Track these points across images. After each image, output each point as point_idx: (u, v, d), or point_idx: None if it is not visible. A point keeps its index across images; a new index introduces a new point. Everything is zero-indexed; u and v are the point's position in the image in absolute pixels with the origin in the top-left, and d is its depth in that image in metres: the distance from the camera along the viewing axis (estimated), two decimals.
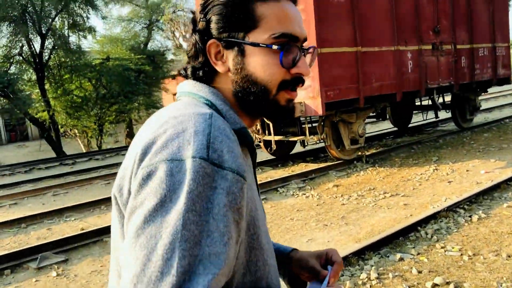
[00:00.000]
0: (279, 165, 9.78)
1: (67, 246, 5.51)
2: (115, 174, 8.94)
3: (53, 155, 21.94)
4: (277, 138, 8.42)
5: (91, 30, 22.95)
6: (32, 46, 20.93)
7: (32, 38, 20.96)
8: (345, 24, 7.80)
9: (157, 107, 28.54)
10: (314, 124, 8.81)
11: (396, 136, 12.44)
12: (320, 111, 7.44)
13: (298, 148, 10.95)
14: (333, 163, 8.90)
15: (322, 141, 8.63)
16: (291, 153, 10.36)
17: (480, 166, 7.86)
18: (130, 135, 27.41)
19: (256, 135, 8.50)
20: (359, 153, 9.08)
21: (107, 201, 7.81)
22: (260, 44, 0.85)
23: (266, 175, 8.93)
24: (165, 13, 27.04)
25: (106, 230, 5.95)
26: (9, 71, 20.42)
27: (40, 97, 21.20)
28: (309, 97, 7.56)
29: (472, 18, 10.50)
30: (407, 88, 8.96)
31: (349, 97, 7.92)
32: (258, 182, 8.01)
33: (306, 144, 8.97)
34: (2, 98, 20.72)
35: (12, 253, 5.22)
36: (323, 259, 1.00)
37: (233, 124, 0.83)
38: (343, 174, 8.35)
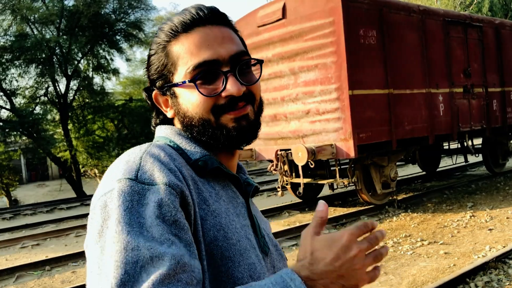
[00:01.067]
0: (306, 209, 9.51)
1: None
2: None
3: (73, 194, 21.94)
4: (306, 180, 8.21)
5: (115, 72, 23.42)
6: (57, 87, 21.40)
7: (58, 79, 21.46)
8: (377, 66, 7.71)
9: None
10: (343, 167, 8.59)
11: (424, 181, 12.11)
12: (352, 154, 7.24)
13: (325, 191, 10.69)
14: (363, 207, 8.61)
15: (352, 184, 8.37)
16: (318, 196, 10.09)
17: None
18: None
19: (284, 177, 8.30)
20: (391, 198, 8.78)
21: None
22: (178, 84, 0.87)
23: (294, 219, 8.66)
24: None
25: None
26: (34, 111, 20.76)
27: (62, 137, 21.44)
28: (340, 139, 7.39)
29: (502, 60, 10.36)
30: (438, 131, 8.74)
31: (381, 139, 7.72)
32: (288, 227, 7.77)
33: (335, 187, 8.72)
34: (25, 138, 20.98)
35: None
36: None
37: (192, 155, 0.87)
38: (375, 219, 8.04)
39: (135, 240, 0.68)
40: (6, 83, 20.04)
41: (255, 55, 8.63)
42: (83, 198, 16.53)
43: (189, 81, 0.86)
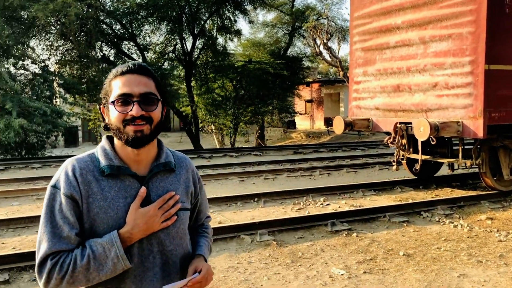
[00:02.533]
0: (420, 187, 9.10)
1: None
2: (249, 172, 9.06)
3: (191, 147, 23.40)
4: (425, 157, 7.81)
5: (238, 33, 23.97)
6: (184, 45, 22.57)
7: (185, 37, 22.60)
8: None
9: (289, 112, 28.91)
10: (466, 147, 8.01)
11: None
12: (480, 134, 6.70)
13: (442, 171, 10.11)
14: (485, 192, 8.01)
15: (475, 166, 7.79)
16: (435, 175, 9.58)
17: None
18: (262, 136, 28.12)
19: (401, 152, 7.98)
20: None
21: (243, 198, 7.96)
22: (108, 103, 1.46)
23: (407, 196, 8.35)
24: (308, 20, 27.22)
25: (242, 228, 6.00)
26: (162, 66, 22.19)
27: (186, 93, 22.74)
28: (468, 117, 6.86)
29: None
30: None
31: None
32: (399, 202, 7.53)
33: (457, 167, 8.19)
34: None
35: None
36: (197, 269, 1.55)
37: (100, 163, 1.48)
38: (497, 206, 7.44)
39: (45, 224, 1.41)
40: (140, 39, 21.63)
41: (383, 20, 8.25)
42: (200, 151, 17.54)
43: (111, 102, 1.44)
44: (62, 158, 15.35)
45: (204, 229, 1.77)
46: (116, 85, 1.45)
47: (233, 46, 29.05)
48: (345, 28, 29.56)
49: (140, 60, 21.78)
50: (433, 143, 7.18)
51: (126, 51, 21.58)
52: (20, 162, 13.71)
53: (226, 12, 23.05)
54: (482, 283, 4.49)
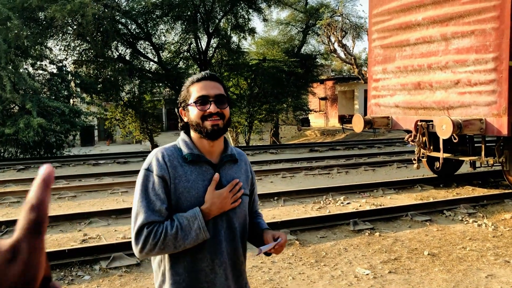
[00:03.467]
0: (441, 185, 9.00)
1: None
2: (266, 170, 9.05)
3: None
4: (446, 155, 7.72)
5: (252, 31, 23.94)
6: (199, 44, 22.62)
7: (200, 36, 22.65)
8: None
9: (304, 109, 28.82)
10: (488, 145, 7.90)
11: None
12: (504, 131, 6.60)
13: (462, 169, 9.99)
14: (508, 191, 7.89)
15: (498, 164, 7.68)
16: (455, 173, 9.47)
17: None
18: (276, 134, 28.08)
19: (422, 150, 7.89)
20: None
21: (263, 197, 7.95)
22: (190, 104, 1.74)
23: (428, 194, 8.26)
24: (323, 17, 27.08)
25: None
26: (177, 65, 22.28)
27: None
28: (492, 114, 6.76)
29: None
30: None
31: None
32: (421, 201, 7.46)
33: (480, 165, 8.08)
34: (169, 89, 22.72)
35: None
36: (275, 236, 1.80)
37: (183, 152, 1.75)
38: None
39: (140, 200, 1.66)
40: (155, 38, 21.73)
41: (403, 17, 8.17)
42: None
43: (194, 103, 1.73)
44: (80, 157, 15.51)
45: (259, 214, 2.05)
46: (194, 89, 1.76)
47: (247, 44, 29.00)
48: (360, 25, 29.38)
49: (156, 59, 21.89)
50: (455, 141, 7.09)
51: (141, 50, 21.71)
52: (39, 161, 13.88)
53: (240, 10, 23.04)
54: (510, 284, 4.42)
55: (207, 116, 1.72)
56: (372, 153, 14.89)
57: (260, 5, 23.41)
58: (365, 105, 33.99)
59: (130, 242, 5.24)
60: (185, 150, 1.75)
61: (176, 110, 1.85)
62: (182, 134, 1.82)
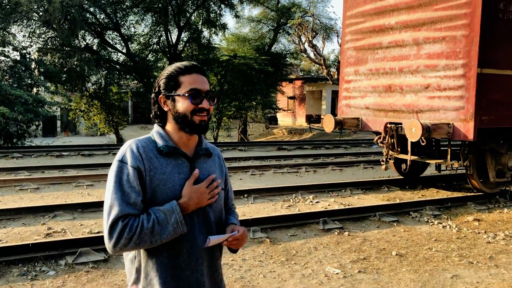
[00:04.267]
0: (407, 186, 9.20)
1: None
2: (236, 167, 9.05)
3: None
4: (413, 158, 7.89)
5: (223, 26, 23.78)
6: (169, 37, 22.30)
7: (170, 29, 22.32)
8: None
9: (273, 108, 28.91)
10: (453, 148, 8.13)
11: None
12: (470, 136, 6.80)
13: (427, 172, 10.25)
14: (471, 194, 8.14)
15: (462, 168, 7.91)
16: (421, 175, 9.70)
17: None
18: (244, 131, 28.05)
19: (390, 152, 8.03)
20: (503, 188, 8.19)
21: (251, 192, 7.91)
22: (181, 95, 1.70)
23: (394, 195, 8.43)
24: (294, 17, 27.21)
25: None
26: (146, 58, 21.89)
27: None
28: (459, 119, 6.94)
29: None
30: None
31: (504, 125, 7.15)
32: (390, 202, 7.60)
33: (445, 168, 8.30)
34: (137, 82, 22.30)
35: None
36: (235, 229, 1.80)
37: (158, 144, 1.72)
38: (483, 208, 7.57)
39: (114, 192, 1.61)
40: (124, 29, 21.27)
41: (376, 20, 8.28)
42: None
43: (185, 95, 1.69)
44: (42, 148, 15.02)
45: (232, 211, 2.01)
46: (185, 80, 1.71)
47: (218, 40, 28.81)
48: (330, 26, 29.71)
49: (124, 51, 21.43)
50: (422, 144, 7.25)
51: (110, 41, 21.20)
52: None
53: (213, 5, 22.86)
54: (475, 285, 4.55)
55: (197, 110, 1.70)
56: (339, 153, 15.08)
57: (232, 0, 23.29)
58: (333, 105, 34.45)
59: (97, 237, 5.14)
60: (160, 142, 1.72)
61: (152, 96, 1.77)
62: (156, 127, 1.79)
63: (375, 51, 8.33)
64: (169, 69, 1.75)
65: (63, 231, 5.82)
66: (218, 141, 24.72)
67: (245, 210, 7.14)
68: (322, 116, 32.92)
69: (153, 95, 1.77)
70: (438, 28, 7.21)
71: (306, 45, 25.48)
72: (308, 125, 30.41)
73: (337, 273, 4.72)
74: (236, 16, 24.47)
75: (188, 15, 22.11)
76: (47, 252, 4.80)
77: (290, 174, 11.02)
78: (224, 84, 24.32)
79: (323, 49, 26.90)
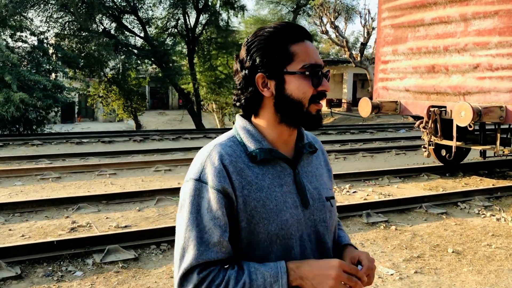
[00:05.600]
0: (447, 174, 8.62)
1: None
2: None
3: (191, 125, 22.80)
4: (458, 144, 7.31)
5: (242, 8, 23.16)
6: (187, 20, 21.77)
7: (188, 12, 21.79)
8: None
9: None
10: (488, 133, 7.55)
11: None
12: None
13: (468, 158, 9.65)
14: None
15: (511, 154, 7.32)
16: (461, 162, 9.10)
17: None
18: None
19: (434, 138, 7.45)
20: None
21: None
22: (297, 72, 1.17)
23: (436, 184, 7.88)
24: None
25: None
26: (165, 42, 21.44)
27: (188, 70, 22.02)
28: None
29: None
30: None
31: None
32: (435, 192, 7.06)
33: (494, 155, 7.70)
34: (155, 66, 21.88)
35: None
36: (354, 260, 1.26)
37: (248, 148, 1.21)
38: None
39: (190, 227, 1.14)
40: (141, 12, 20.81)
41: None
42: (206, 130, 16.98)
43: (307, 73, 1.17)
44: (62, 135, 14.75)
45: (339, 223, 1.47)
46: (300, 51, 1.18)
47: (236, 23, 28.15)
48: (352, 7, 28.81)
49: (142, 35, 20.98)
50: (470, 129, 6.67)
51: (127, 24, 20.77)
52: (19, 138, 13.10)
53: None
54: None
55: (316, 96, 1.19)
56: (366, 139, 14.51)
57: None
58: (354, 89, 33.63)
59: (126, 233, 4.73)
60: (251, 145, 1.21)
61: (241, 74, 1.21)
62: (241, 120, 1.26)
63: (416, 28, 7.70)
64: (267, 33, 1.19)
65: (88, 225, 5.43)
66: None
67: None
68: (343, 100, 32.18)
69: (242, 72, 1.21)
70: (490, 2, 6.56)
71: (328, 26, 24.72)
72: (329, 110, 29.74)
73: (391, 274, 4.24)
74: None
75: None
76: (73, 250, 4.41)
77: None
78: None
79: (345, 30, 26.10)
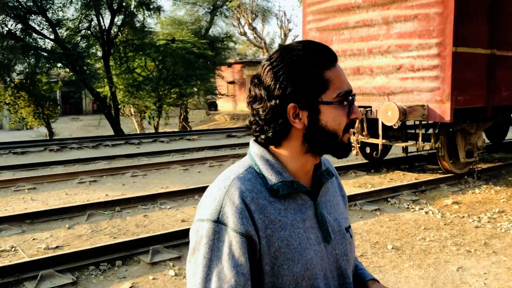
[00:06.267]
0: (372, 170, 9.00)
1: (178, 241, 4.94)
2: (192, 160, 8.45)
3: (110, 131, 21.85)
4: (384, 142, 7.64)
5: (158, 9, 22.60)
6: (101, 21, 20.80)
7: (102, 13, 20.84)
8: (482, 23, 6.92)
9: (215, 93, 28.16)
10: (408, 131, 8.01)
11: (490, 151, 11.40)
12: (447, 118, 6.62)
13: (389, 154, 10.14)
14: (442, 176, 8.04)
15: (433, 150, 7.78)
16: (384, 158, 9.55)
17: None
18: (186, 119, 27.12)
19: (360, 136, 7.73)
20: (471, 167, 8.18)
21: (200, 191, 7.27)
22: (334, 102, 1.07)
23: (364, 181, 8.17)
24: None
25: None
26: (78, 44, 20.33)
27: (104, 73, 21.07)
28: (435, 100, 6.74)
29: None
30: None
31: (477, 104, 7.06)
32: (365, 189, 7.31)
33: (416, 151, 8.14)
34: (69, 70, 20.67)
35: (124, 242, 4.69)
36: None
37: (269, 181, 1.09)
38: (456, 189, 7.49)
39: (207, 275, 1.00)
40: (50, 13, 19.53)
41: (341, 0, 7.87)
42: (127, 136, 16.32)
43: (345, 103, 1.08)
44: None
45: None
46: (334, 77, 1.08)
47: (153, 24, 27.38)
48: (268, 8, 29.29)
49: (52, 37, 19.70)
50: (394, 127, 7.00)
51: (35, 26, 19.38)
52: None
53: None
54: (483, 276, 4.32)
55: (349, 124, 1.10)
56: None
57: None
58: None
59: (60, 255, 4.35)
60: (271, 178, 1.09)
61: (272, 104, 1.06)
62: (257, 148, 1.14)
63: (341, 31, 7.94)
64: (297, 58, 1.06)
65: (13, 249, 4.94)
66: (158, 131, 23.66)
67: None
68: None
69: (271, 102, 1.06)
70: (410, 6, 6.92)
71: (246, 27, 24.90)
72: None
73: None
74: None
75: None
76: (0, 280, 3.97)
77: None
78: (163, 70, 23.21)
79: (262, 31, 26.44)
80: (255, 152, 1.14)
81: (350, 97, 1.09)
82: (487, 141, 11.29)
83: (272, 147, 1.13)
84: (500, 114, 8.06)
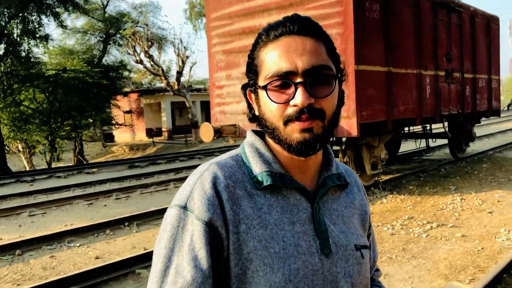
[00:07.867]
0: None
1: (95, 280, 4.47)
2: (95, 193, 7.92)
3: None
4: None
5: (46, 38, 21.28)
6: None
7: None
8: (378, 42, 7.40)
9: (112, 124, 26.98)
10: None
11: (388, 164, 12.17)
12: (354, 132, 6.90)
13: None
14: None
15: None
16: None
17: (509, 197, 7.63)
18: (81, 152, 25.56)
19: None
20: (376, 179, 8.61)
21: (110, 224, 6.75)
22: (258, 87, 0.93)
23: None
24: (125, 27, 25.82)
25: (135, 260, 4.96)
26: None
27: None
28: (342, 117, 6.99)
29: (475, 47, 10.56)
30: (425, 114, 8.68)
31: (379, 119, 7.46)
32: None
33: None
34: None
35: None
36: None
37: (253, 170, 0.94)
38: None
39: (165, 268, 0.87)
40: None
41: (246, 22, 7.97)
42: (18, 174, 14.87)
43: (262, 87, 0.91)
44: None
45: (377, 280, 1.20)
46: (269, 57, 0.90)
47: (40, 53, 25.60)
48: (163, 36, 29.02)
49: None
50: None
51: None
52: None
53: (29, 16, 20.19)
54: (409, 280, 4.46)
55: (291, 115, 0.88)
56: (197, 164, 14.54)
57: (56, 9, 20.96)
58: (173, 117, 33.70)
59: None
60: (256, 168, 0.94)
61: (244, 92, 0.99)
62: (251, 135, 1.00)
63: (248, 53, 8.00)
64: (258, 39, 0.95)
65: None
66: (52, 167, 21.99)
67: (132, 241, 6.11)
68: (163, 129, 31.96)
69: (242, 90, 1.02)
70: None
71: (142, 55, 24.36)
72: (151, 140, 29.20)
73: None
74: (62, 26, 22.08)
75: (2, 24, 19.16)
76: None
77: (159, 192, 10.09)
78: (54, 101, 21.76)
79: (159, 59, 26.02)
80: (246, 140, 1.01)
81: (285, 80, 0.88)
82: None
83: (267, 136, 0.97)
84: (398, 127, 8.62)
